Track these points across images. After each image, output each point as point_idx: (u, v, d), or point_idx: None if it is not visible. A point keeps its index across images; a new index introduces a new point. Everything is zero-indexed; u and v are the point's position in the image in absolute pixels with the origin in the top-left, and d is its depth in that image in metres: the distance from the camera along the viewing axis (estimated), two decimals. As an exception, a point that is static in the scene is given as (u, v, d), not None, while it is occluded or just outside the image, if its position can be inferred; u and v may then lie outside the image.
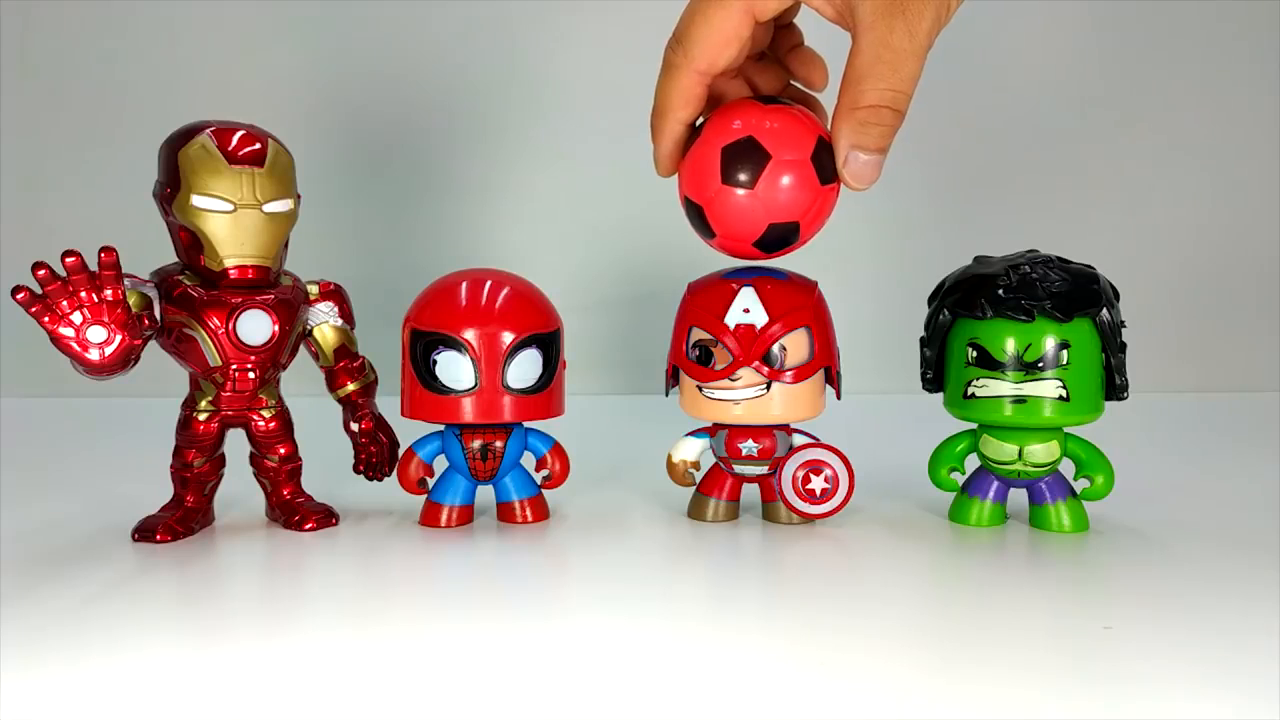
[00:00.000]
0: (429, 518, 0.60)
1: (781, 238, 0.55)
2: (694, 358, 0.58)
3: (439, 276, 0.60)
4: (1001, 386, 0.57)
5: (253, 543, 0.58)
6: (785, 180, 0.53)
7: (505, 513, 0.62)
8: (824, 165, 0.53)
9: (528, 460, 0.62)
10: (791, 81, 0.59)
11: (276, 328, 0.57)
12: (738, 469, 0.61)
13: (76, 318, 0.50)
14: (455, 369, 0.57)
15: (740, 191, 0.53)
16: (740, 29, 0.52)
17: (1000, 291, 0.56)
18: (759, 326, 0.56)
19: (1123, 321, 0.57)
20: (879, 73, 0.50)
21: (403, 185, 1.10)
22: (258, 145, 0.55)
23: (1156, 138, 1.15)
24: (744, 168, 0.53)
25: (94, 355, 0.50)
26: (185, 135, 0.55)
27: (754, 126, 0.53)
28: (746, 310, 0.57)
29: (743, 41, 0.52)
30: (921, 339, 0.61)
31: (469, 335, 0.56)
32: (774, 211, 0.54)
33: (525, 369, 0.57)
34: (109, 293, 0.50)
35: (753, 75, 0.58)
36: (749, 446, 0.59)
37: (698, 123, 0.56)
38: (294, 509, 0.60)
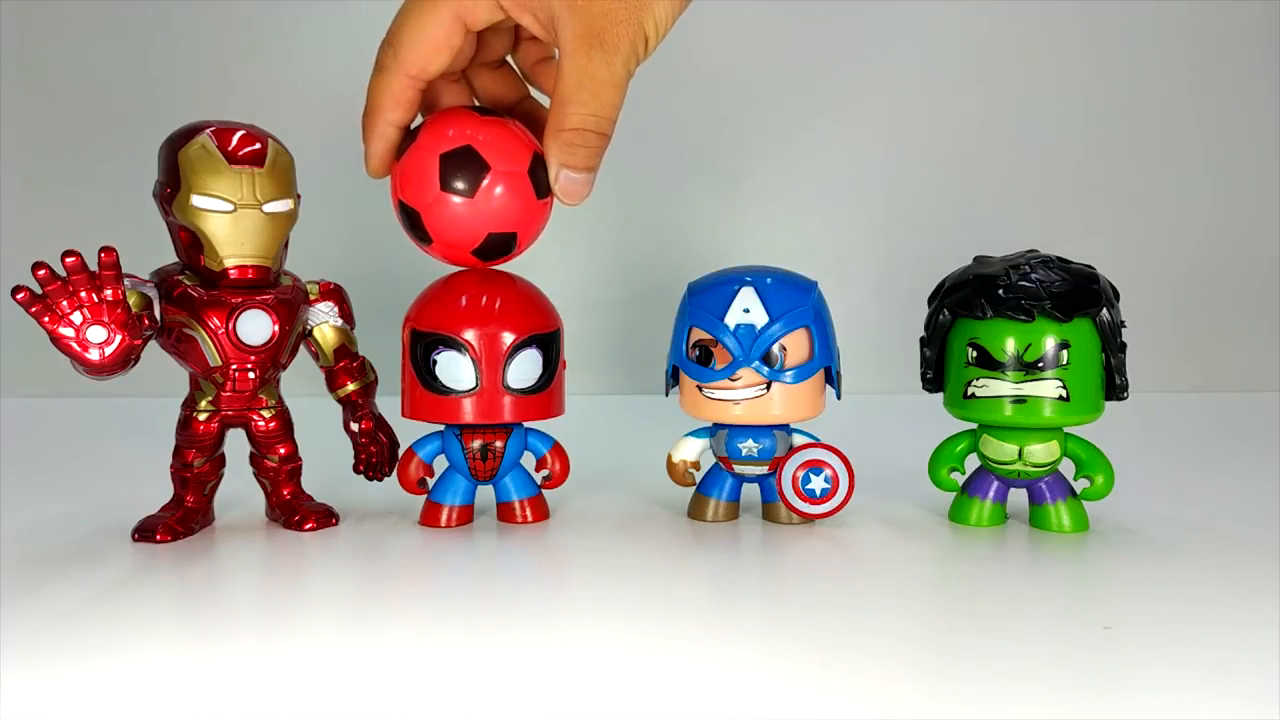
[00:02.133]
0: (429, 518, 0.60)
1: (500, 246, 0.56)
2: (694, 358, 0.58)
3: (439, 276, 0.60)
4: (1001, 386, 0.57)
5: (253, 543, 0.58)
6: (502, 191, 0.54)
7: (505, 513, 0.62)
8: (539, 180, 0.55)
9: (528, 460, 0.62)
10: (533, 94, 0.59)
11: (276, 328, 0.57)
12: (738, 469, 0.61)
13: (76, 318, 0.50)
14: (455, 369, 0.57)
15: (459, 200, 0.54)
16: (451, 37, 0.52)
17: (1000, 291, 0.56)
18: (759, 326, 0.57)
19: (1123, 321, 0.57)
20: (581, 99, 0.51)
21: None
22: (258, 145, 0.55)
23: (1156, 138, 1.15)
24: (463, 176, 0.54)
25: (94, 355, 0.50)
26: (185, 135, 0.55)
27: (470, 136, 0.54)
28: (746, 310, 0.57)
29: (454, 49, 0.53)
30: (921, 339, 0.61)
31: (469, 335, 0.56)
32: (492, 221, 0.55)
33: (525, 369, 0.57)
34: (109, 293, 0.50)
35: (486, 83, 0.58)
36: (749, 446, 0.59)
37: (414, 125, 0.56)
38: (294, 509, 0.60)
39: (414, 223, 0.56)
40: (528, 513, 0.61)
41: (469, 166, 0.54)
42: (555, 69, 0.53)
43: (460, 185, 0.54)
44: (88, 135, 1.08)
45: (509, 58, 0.59)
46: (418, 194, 0.55)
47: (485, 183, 0.54)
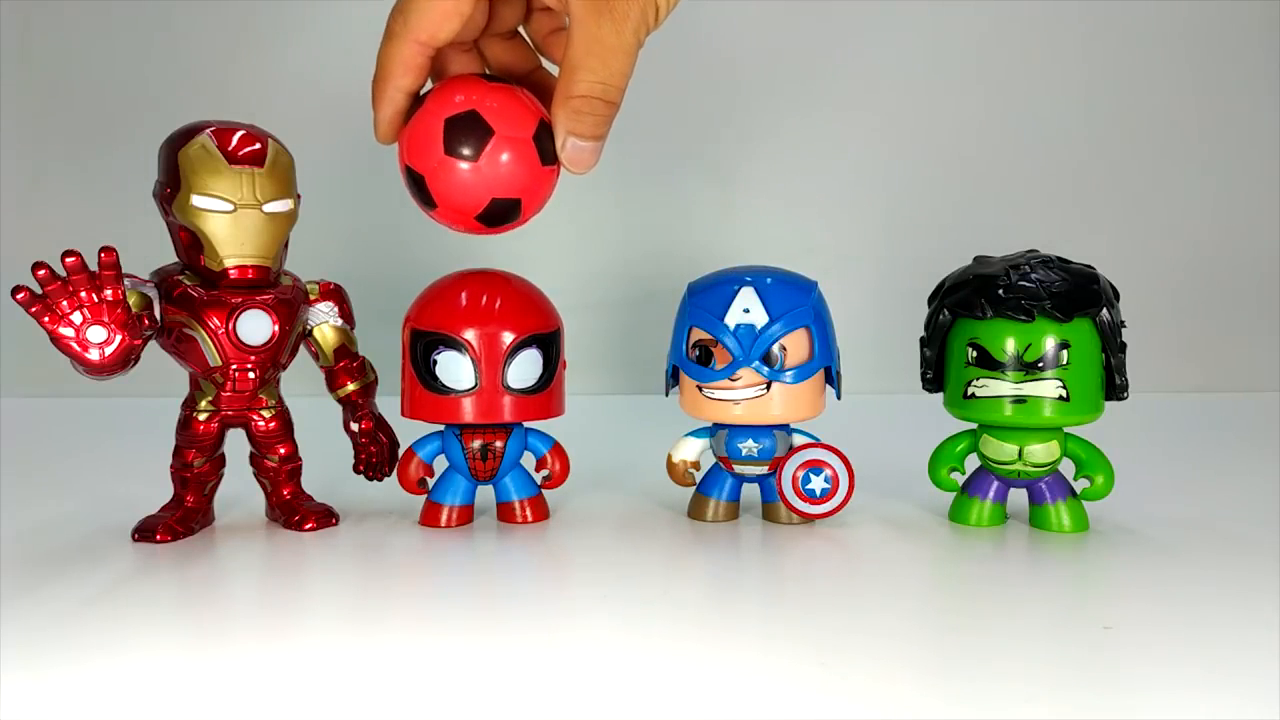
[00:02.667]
0: (429, 518, 0.60)
1: (504, 212, 0.55)
2: (694, 358, 0.58)
3: (439, 276, 0.60)
4: (1001, 386, 0.57)
5: (253, 543, 0.58)
6: (507, 157, 0.53)
7: (505, 513, 0.62)
8: (545, 147, 0.54)
9: (528, 460, 0.62)
10: (544, 64, 0.59)
11: (276, 328, 0.57)
12: (738, 469, 0.61)
13: (76, 318, 0.50)
14: (455, 369, 0.57)
15: (463, 164, 0.53)
16: (460, 4, 0.52)
17: (1000, 291, 0.56)
18: (759, 326, 0.57)
19: (1123, 321, 0.57)
20: (590, 65, 0.51)
21: (403, 185, 1.10)
22: (258, 145, 0.55)
23: (1156, 137, 1.14)
24: (467, 141, 0.53)
25: (94, 355, 0.50)
26: (185, 135, 0.55)
27: (476, 101, 0.53)
28: (746, 310, 0.57)
29: (464, 16, 0.52)
30: (921, 339, 0.61)
31: (469, 335, 0.56)
32: (496, 186, 0.54)
33: (525, 369, 0.57)
34: (109, 293, 0.50)
35: (498, 53, 0.58)
36: (749, 446, 0.59)
37: (422, 92, 0.56)
38: (294, 509, 0.60)
39: (419, 187, 0.56)
40: (528, 513, 0.61)
41: (474, 131, 0.53)
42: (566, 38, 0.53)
43: (464, 150, 0.53)
44: (88, 135, 1.08)
45: (521, 28, 0.58)
46: (422, 158, 0.54)
47: (489, 147, 0.53)
